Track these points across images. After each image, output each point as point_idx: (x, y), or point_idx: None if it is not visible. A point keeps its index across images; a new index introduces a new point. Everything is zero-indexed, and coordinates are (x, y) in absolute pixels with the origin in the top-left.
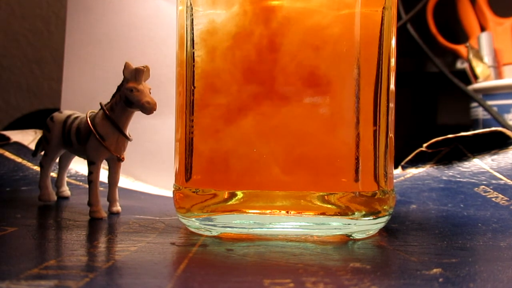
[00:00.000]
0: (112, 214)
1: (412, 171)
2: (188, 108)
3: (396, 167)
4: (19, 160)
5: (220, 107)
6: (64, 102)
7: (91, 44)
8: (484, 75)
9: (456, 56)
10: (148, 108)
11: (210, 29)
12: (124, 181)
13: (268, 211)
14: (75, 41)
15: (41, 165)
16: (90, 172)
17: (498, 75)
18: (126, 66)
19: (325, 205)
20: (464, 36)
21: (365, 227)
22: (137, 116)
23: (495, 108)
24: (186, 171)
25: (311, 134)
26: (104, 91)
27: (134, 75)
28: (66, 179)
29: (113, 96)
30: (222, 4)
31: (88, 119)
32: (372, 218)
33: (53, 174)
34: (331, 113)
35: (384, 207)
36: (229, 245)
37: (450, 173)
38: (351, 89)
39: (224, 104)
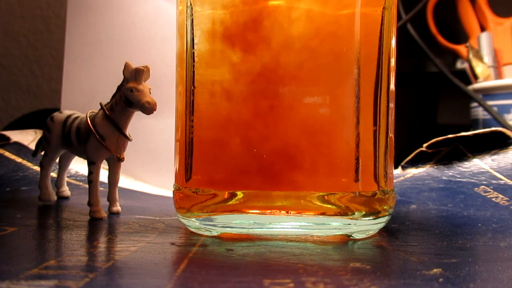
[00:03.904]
0: (112, 214)
1: (412, 171)
2: (188, 108)
3: (396, 167)
4: (19, 160)
5: (219, 107)
6: (64, 102)
7: (91, 44)
8: (484, 75)
9: (456, 56)
10: (148, 108)
11: (210, 29)
12: (124, 181)
13: (268, 211)
14: (75, 41)
15: (41, 165)
16: (90, 172)
17: (498, 75)
18: (126, 66)
19: (325, 205)
20: (464, 36)
21: (365, 227)
22: (137, 116)
23: (495, 108)
24: (186, 171)
25: (311, 134)
26: (104, 91)
27: (134, 75)
28: (66, 179)
29: (113, 96)
30: (222, 4)
31: (88, 119)
32: (372, 218)
33: (53, 174)
34: (331, 113)
35: (384, 207)
36: (229, 245)
37: (450, 173)
38: (351, 89)
39: (224, 104)
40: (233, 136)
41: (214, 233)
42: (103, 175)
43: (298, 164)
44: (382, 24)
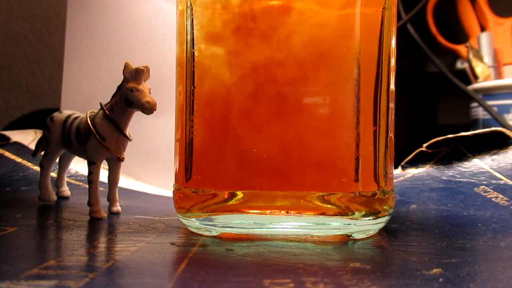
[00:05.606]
0: (112, 214)
1: (412, 171)
2: (188, 108)
3: (396, 167)
4: (19, 160)
5: (219, 107)
6: (64, 102)
7: (91, 44)
8: (484, 75)
9: (456, 56)
10: (148, 108)
11: (210, 29)
12: (124, 181)
13: (268, 211)
14: (75, 41)
15: (41, 165)
16: (90, 172)
17: (498, 75)
18: (126, 66)
19: (325, 205)
20: (464, 36)
21: (365, 227)
22: (137, 116)
23: (495, 108)
24: (186, 171)
25: (311, 134)
26: (104, 91)
27: (134, 75)
28: (66, 179)
29: (113, 96)
30: (221, 4)
31: (88, 119)
32: (372, 218)
33: (53, 174)
34: (331, 113)
35: (384, 207)
36: (229, 245)
37: (450, 173)
38: (351, 89)
39: (224, 104)
40: (233, 136)
41: (214, 233)
42: (103, 175)
43: (298, 164)
44: (382, 24)
